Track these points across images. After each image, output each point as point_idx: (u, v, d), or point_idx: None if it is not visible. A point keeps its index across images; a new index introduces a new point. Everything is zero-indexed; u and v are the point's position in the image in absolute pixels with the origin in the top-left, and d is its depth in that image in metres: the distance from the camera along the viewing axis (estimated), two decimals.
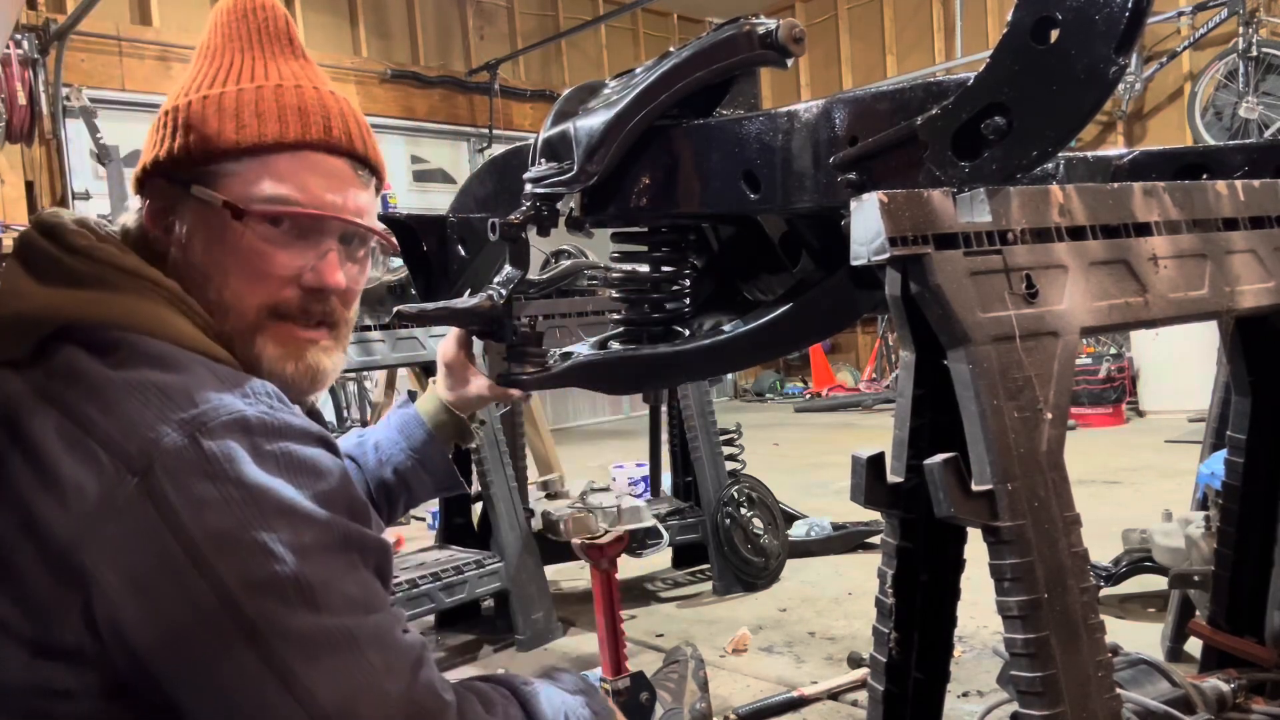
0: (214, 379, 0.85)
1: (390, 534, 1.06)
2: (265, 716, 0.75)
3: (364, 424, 6.21)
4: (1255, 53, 7.07)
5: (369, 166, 1.08)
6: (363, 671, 0.76)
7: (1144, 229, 1.13)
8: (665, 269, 1.42)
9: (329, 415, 6.52)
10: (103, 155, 6.16)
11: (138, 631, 0.75)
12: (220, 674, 0.75)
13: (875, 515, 1.18)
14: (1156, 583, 2.92)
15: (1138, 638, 2.57)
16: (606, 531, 1.92)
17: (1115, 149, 3.22)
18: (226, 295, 0.98)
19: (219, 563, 0.74)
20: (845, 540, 4.07)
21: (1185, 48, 7.66)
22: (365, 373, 6.04)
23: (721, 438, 3.72)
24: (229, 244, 0.98)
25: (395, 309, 1.53)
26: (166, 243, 1.00)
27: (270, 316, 1.00)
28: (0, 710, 0.79)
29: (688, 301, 1.45)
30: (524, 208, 1.32)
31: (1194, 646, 1.86)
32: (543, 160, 1.32)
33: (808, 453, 6.69)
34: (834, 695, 2.59)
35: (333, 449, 0.89)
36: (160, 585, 0.74)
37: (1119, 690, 1.04)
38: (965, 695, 2.50)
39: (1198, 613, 2.32)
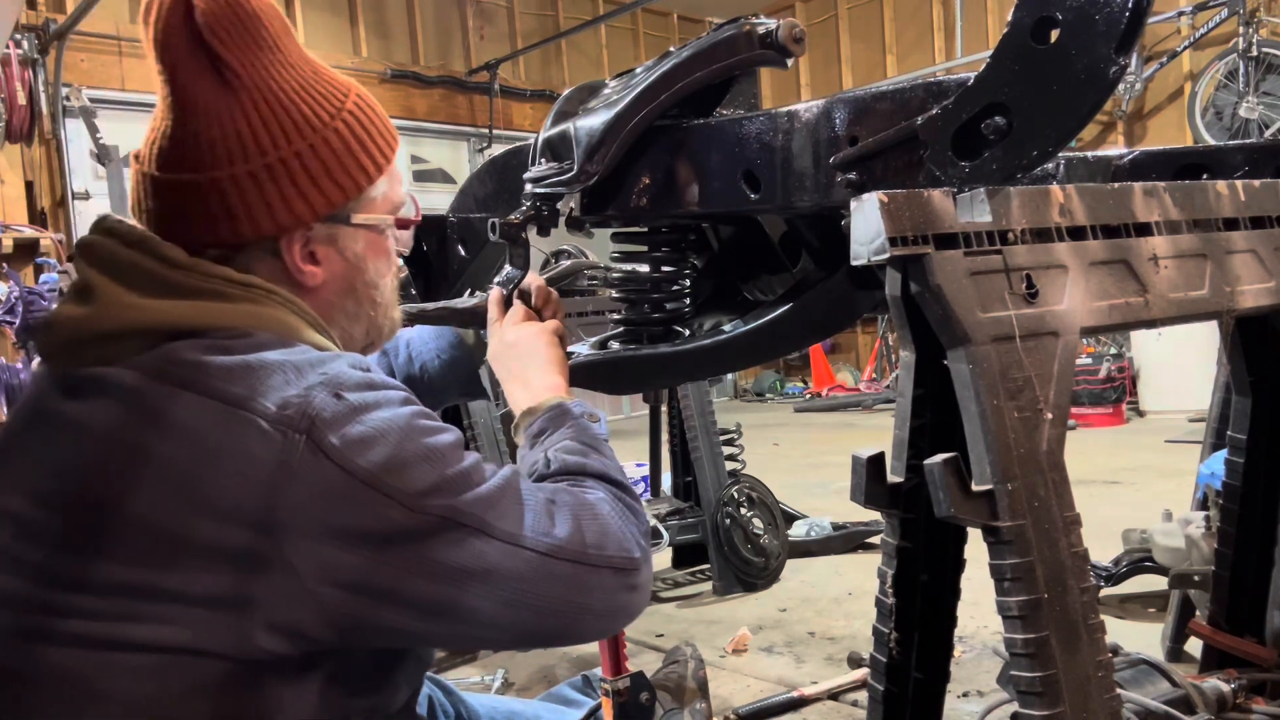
0: (327, 355, 0.96)
1: None
2: (483, 563, 0.88)
3: None
4: (1255, 53, 7.06)
5: None
6: (530, 499, 0.94)
7: (1144, 229, 1.12)
8: (665, 269, 1.42)
9: None
10: (102, 155, 6.15)
11: (346, 565, 0.84)
12: (432, 556, 0.87)
13: (875, 515, 1.18)
14: (1156, 583, 2.92)
15: (1138, 638, 2.57)
16: None
17: (1115, 149, 3.22)
18: (386, 293, 1.13)
19: (395, 482, 0.86)
20: (845, 540, 4.06)
21: (1185, 48, 7.65)
22: None
23: (721, 438, 3.71)
24: (383, 250, 1.11)
25: None
26: (308, 273, 1.04)
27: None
28: (160, 669, 0.83)
29: (688, 301, 1.45)
30: (524, 208, 1.32)
31: (1194, 646, 1.86)
32: (543, 160, 1.32)
33: (808, 453, 6.68)
34: (834, 695, 2.59)
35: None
36: (355, 518, 0.85)
37: (1119, 690, 1.04)
38: (965, 695, 2.50)
39: (1198, 613, 2.32)
